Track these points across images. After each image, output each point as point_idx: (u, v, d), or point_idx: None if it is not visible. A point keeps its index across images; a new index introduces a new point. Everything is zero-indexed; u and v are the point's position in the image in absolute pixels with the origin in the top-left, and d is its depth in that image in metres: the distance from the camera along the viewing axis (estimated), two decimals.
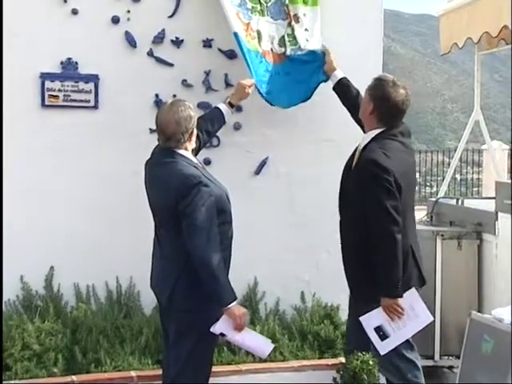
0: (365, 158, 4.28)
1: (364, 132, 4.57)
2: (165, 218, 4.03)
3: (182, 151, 4.00)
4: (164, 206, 3.98)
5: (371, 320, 4.16)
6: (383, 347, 4.15)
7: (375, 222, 4.14)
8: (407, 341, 4.30)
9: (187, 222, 3.83)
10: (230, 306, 3.79)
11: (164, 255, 4.07)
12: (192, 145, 4.11)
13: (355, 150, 4.52)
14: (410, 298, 4.20)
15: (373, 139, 4.38)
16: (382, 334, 4.17)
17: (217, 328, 3.75)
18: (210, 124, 4.75)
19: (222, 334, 3.81)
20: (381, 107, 4.38)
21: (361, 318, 4.21)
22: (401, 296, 4.17)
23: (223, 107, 4.86)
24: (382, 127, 4.41)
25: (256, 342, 3.89)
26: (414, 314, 4.20)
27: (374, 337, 4.15)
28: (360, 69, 5.53)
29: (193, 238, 3.82)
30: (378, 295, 4.20)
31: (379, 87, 4.44)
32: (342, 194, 4.47)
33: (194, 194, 3.81)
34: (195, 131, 4.12)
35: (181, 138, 3.97)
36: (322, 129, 5.73)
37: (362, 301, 4.35)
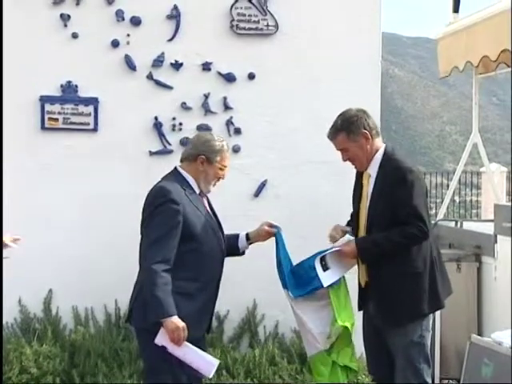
0: (396, 170, 4.16)
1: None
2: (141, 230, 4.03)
3: (185, 173, 3.99)
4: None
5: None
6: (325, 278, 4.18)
7: (421, 229, 4.08)
8: (427, 359, 4.26)
9: (143, 233, 3.87)
10: (163, 320, 3.74)
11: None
12: (197, 174, 3.97)
13: (358, 178, 4.39)
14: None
15: (384, 158, 4.26)
16: (324, 263, 4.21)
17: (157, 340, 3.77)
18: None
19: (164, 347, 3.81)
20: (366, 128, 4.26)
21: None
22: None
23: (242, 235, 4.41)
24: (380, 145, 4.33)
25: (198, 358, 3.87)
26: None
27: (318, 266, 4.20)
28: (358, 92, 5.55)
29: (143, 248, 3.85)
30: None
31: (345, 122, 4.25)
32: (370, 223, 4.24)
33: (156, 207, 3.82)
34: (211, 165, 3.97)
35: (188, 154, 3.99)
36: (320, 150, 5.73)
37: (398, 323, 4.18)
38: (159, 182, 3.99)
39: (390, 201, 4.12)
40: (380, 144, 4.30)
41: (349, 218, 4.48)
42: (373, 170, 4.26)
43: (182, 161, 4.06)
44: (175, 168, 4.05)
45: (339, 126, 4.26)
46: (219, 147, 4.00)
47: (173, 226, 3.80)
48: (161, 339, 3.77)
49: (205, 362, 3.90)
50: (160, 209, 3.82)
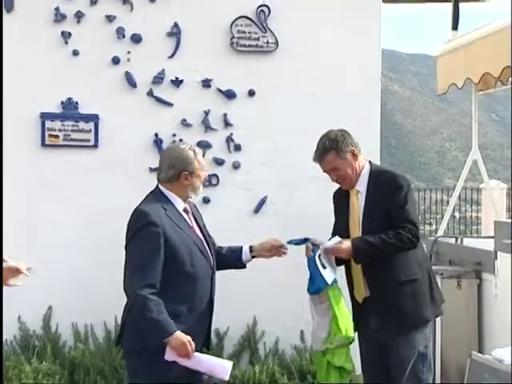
0: (392, 179, 4.26)
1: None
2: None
3: (167, 192, 3.95)
4: None
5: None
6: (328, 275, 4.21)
7: (414, 233, 4.16)
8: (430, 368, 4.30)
9: (125, 257, 3.81)
10: (165, 339, 3.70)
11: None
12: (183, 190, 3.93)
13: (341, 197, 4.42)
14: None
15: (372, 172, 4.33)
16: (322, 262, 4.22)
17: (166, 356, 3.77)
18: (227, 249, 4.29)
19: (174, 362, 3.82)
20: (352, 145, 4.30)
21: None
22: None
23: (245, 248, 4.35)
24: (364, 161, 4.36)
25: (212, 365, 3.89)
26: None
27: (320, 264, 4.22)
28: (358, 108, 5.57)
29: (127, 275, 3.78)
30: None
31: (332, 141, 4.29)
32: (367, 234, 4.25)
33: (136, 232, 3.77)
34: (190, 178, 3.92)
35: (164, 172, 3.95)
36: (320, 167, 5.74)
37: (403, 331, 4.20)
38: (140, 203, 3.93)
39: (386, 210, 4.20)
40: (364, 160, 4.37)
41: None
42: (361, 186, 4.32)
43: (161, 181, 3.96)
44: (157, 187, 3.97)
45: (327, 146, 4.29)
46: (192, 155, 3.95)
47: (155, 250, 3.74)
48: (169, 356, 3.74)
49: (219, 366, 3.92)
50: (140, 233, 3.77)
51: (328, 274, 4.23)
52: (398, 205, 4.20)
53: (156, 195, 3.95)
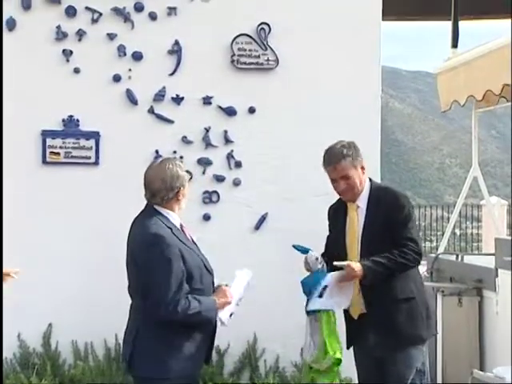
0: (394, 197, 4.26)
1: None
2: (129, 275, 3.91)
3: (164, 210, 3.93)
4: (128, 264, 3.91)
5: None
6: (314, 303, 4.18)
7: (417, 251, 4.18)
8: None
9: (147, 280, 3.72)
10: (217, 307, 3.81)
11: (130, 316, 3.97)
12: (180, 205, 3.97)
13: (339, 211, 4.43)
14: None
15: (373, 188, 4.34)
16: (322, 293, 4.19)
17: (224, 320, 3.87)
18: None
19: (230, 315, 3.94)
20: (361, 158, 4.32)
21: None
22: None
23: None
24: (365, 177, 4.37)
25: (240, 288, 4.02)
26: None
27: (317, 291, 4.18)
28: (359, 125, 5.59)
29: (155, 299, 3.68)
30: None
31: (349, 148, 4.27)
32: (366, 252, 4.24)
33: (157, 257, 3.70)
34: (184, 191, 3.96)
35: (165, 195, 3.91)
36: (320, 184, 5.74)
37: (401, 346, 4.20)
38: (143, 224, 3.86)
39: (387, 228, 4.19)
40: (365, 176, 4.37)
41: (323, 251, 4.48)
42: (362, 201, 4.31)
43: (156, 202, 3.93)
44: (153, 208, 3.93)
45: (344, 152, 4.25)
46: (181, 170, 3.94)
47: (178, 271, 3.73)
48: (225, 316, 3.86)
49: (245, 281, 4.06)
50: (162, 256, 3.72)
51: (324, 303, 4.21)
52: (400, 223, 4.20)
53: (156, 216, 3.89)
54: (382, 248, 4.17)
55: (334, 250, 4.37)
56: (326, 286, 4.21)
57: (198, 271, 3.84)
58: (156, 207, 3.94)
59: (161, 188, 3.92)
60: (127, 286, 3.97)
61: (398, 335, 4.19)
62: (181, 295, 3.69)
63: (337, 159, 4.26)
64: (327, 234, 4.71)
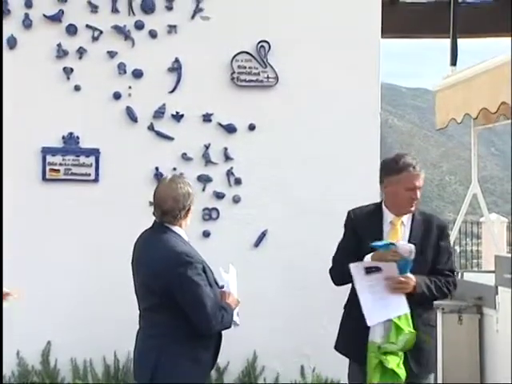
0: (442, 224, 4.26)
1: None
2: (148, 294, 3.92)
3: (175, 228, 3.96)
4: (151, 282, 3.89)
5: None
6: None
7: (456, 284, 4.17)
8: None
9: (187, 298, 3.75)
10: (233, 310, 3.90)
11: (146, 334, 3.97)
12: (187, 222, 4.03)
13: (369, 220, 4.27)
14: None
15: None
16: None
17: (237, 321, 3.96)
18: None
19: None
20: None
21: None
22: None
23: None
24: None
25: (234, 286, 4.03)
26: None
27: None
28: (358, 142, 5.60)
29: (199, 313, 3.74)
30: None
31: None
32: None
33: (188, 270, 3.74)
34: (192, 208, 4.02)
35: (177, 214, 3.93)
36: (320, 201, 5.76)
37: None
38: (162, 243, 3.87)
39: (432, 252, 4.13)
40: None
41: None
42: (406, 219, 4.22)
43: (168, 220, 3.93)
44: (164, 226, 3.93)
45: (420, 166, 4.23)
46: (191, 188, 3.98)
47: (207, 285, 3.81)
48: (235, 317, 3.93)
49: (233, 278, 4.02)
50: (198, 275, 3.78)
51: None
52: (448, 252, 4.21)
53: (168, 232, 3.92)
54: (425, 268, 4.09)
55: (360, 252, 4.13)
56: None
57: (215, 286, 3.91)
58: (167, 225, 3.94)
59: (173, 207, 3.93)
60: (139, 303, 4.00)
61: (428, 360, 4.14)
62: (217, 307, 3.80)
63: (420, 168, 4.20)
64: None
